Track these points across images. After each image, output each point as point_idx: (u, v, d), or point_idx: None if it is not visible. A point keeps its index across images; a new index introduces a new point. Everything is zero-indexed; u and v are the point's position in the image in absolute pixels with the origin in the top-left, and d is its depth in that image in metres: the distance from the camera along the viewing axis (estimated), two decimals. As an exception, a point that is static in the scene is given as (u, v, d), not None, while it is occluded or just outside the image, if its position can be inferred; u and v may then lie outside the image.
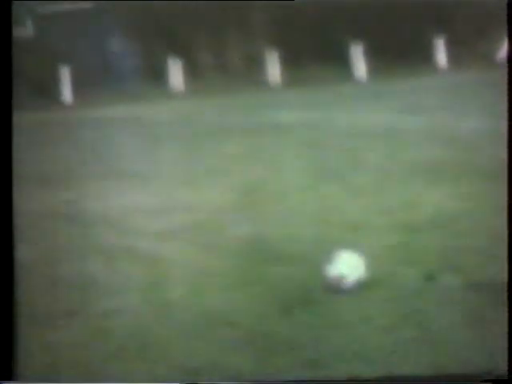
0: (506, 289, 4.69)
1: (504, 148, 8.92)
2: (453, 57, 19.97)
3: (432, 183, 8.08)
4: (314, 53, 20.02)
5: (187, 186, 8.91)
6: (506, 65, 9.26)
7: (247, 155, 10.47)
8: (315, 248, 6.18)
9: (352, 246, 5.61)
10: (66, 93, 20.05)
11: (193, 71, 20.73)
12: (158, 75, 20.45)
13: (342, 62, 19.82)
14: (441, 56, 20.79)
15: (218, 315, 5.04)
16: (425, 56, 19.91)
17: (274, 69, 20.36)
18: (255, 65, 20.87)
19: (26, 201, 7.87)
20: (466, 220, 6.76)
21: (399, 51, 19.22)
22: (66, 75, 20.08)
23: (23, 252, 6.10)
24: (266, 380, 5.15)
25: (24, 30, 20.23)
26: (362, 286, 5.25)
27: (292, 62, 19.61)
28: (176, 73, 20.99)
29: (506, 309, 4.60)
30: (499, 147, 9.33)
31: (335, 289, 5.22)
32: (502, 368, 4.60)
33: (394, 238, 6.35)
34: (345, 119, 12.41)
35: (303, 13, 20.42)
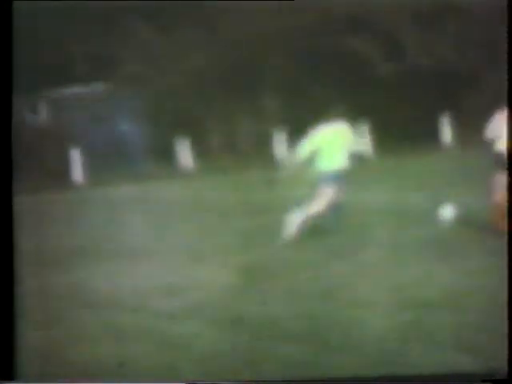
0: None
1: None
2: (459, 135, 20.20)
3: (442, 260, 8.10)
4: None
5: (197, 264, 8.94)
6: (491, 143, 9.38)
7: (257, 232, 10.51)
8: (325, 326, 6.19)
9: (363, 323, 5.62)
10: (77, 173, 20.29)
11: (202, 150, 20.99)
12: (167, 155, 20.70)
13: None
14: (446, 134, 21.05)
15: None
16: (431, 133, 20.16)
17: (281, 147, 20.62)
18: (264, 144, 21.13)
19: (36, 281, 7.93)
20: (477, 297, 6.76)
21: (405, 129, 19.45)
22: (77, 156, 20.35)
23: (33, 334, 6.22)
24: (267, 380, 5.25)
25: (36, 117, 20.64)
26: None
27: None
28: (185, 152, 21.26)
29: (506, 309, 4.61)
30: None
31: None
32: (502, 368, 4.69)
33: (406, 316, 6.36)
34: (355, 196, 12.47)
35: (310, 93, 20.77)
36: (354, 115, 20.18)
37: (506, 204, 8.39)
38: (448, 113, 20.85)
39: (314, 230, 9.88)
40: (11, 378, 5.16)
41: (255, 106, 21.95)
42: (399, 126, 19.71)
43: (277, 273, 8.28)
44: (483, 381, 4.81)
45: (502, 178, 8.65)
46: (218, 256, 9.24)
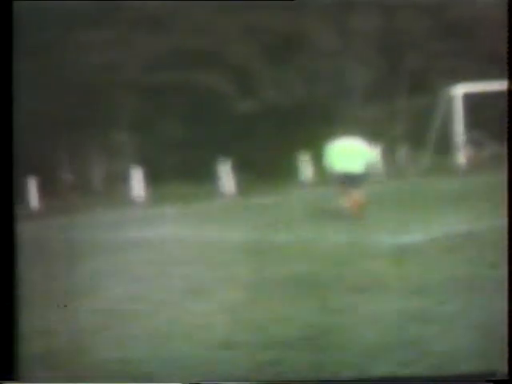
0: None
1: (373, 261, 9.23)
2: (316, 172, 20.66)
3: (302, 297, 8.17)
4: (182, 170, 20.26)
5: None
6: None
7: (115, 272, 10.33)
8: (184, 369, 6.09)
9: (223, 364, 5.56)
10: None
11: (49, 191, 20.52)
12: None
13: (210, 178, 20.13)
14: (306, 172, 21.50)
15: None
16: (291, 172, 20.54)
17: (139, 186, 20.47)
18: (120, 182, 20.89)
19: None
20: (336, 334, 6.84)
21: (266, 167, 19.75)
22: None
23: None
24: (267, 380, 5.24)
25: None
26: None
27: (157, 180, 19.79)
28: (33, 194, 20.76)
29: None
30: (367, 260, 9.68)
31: None
32: (502, 368, 4.73)
33: (266, 355, 6.35)
34: (214, 234, 12.49)
35: (169, 132, 20.77)
36: (213, 154, 20.40)
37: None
38: (304, 150, 21.32)
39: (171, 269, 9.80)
40: (11, 378, 5.21)
41: (107, 144, 21.72)
42: (259, 163, 19.99)
43: (132, 313, 8.10)
44: (483, 381, 4.86)
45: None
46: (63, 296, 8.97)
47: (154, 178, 19.73)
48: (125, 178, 20.84)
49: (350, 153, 13.85)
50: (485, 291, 7.68)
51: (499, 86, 24.02)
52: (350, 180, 13.42)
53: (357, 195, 13.44)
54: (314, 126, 20.16)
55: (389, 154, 21.66)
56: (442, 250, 10.05)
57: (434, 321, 6.99)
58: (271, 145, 20.60)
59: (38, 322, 6.90)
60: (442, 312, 7.24)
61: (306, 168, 21.25)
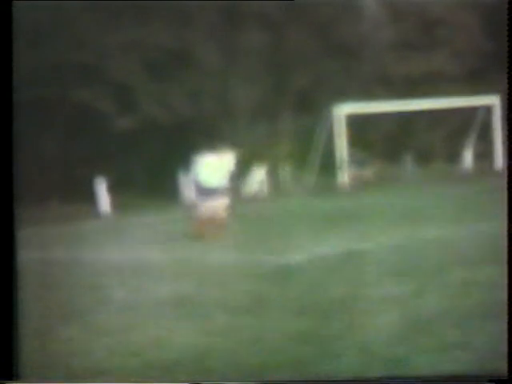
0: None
1: (253, 282, 9.18)
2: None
3: (181, 319, 8.03)
4: (56, 190, 19.80)
5: None
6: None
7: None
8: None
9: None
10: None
11: None
12: None
13: (87, 197, 19.76)
14: (186, 190, 21.36)
15: None
16: (170, 190, 20.36)
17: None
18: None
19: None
20: (214, 356, 6.72)
21: (145, 185, 19.54)
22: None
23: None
24: (267, 380, 5.21)
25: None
26: None
27: (31, 201, 19.27)
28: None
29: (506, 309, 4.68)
30: (247, 281, 9.62)
31: None
32: (502, 368, 4.75)
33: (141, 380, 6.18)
34: (89, 256, 12.21)
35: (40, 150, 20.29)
36: (92, 172, 20.04)
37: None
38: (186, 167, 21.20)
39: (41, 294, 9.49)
40: (11, 378, 5.30)
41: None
42: (137, 182, 19.76)
43: None
44: (484, 381, 4.89)
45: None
46: None
47: (27, 199, 19.18)
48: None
49: (214, 168, 14.10)
50: (365, 311, 7.71)
51: (382, 106, 24.60)
52: (207, 193, 13.65)
53: (214, 210, 13.58)
54: (195, 143, 20.09)
55: (273, 173, 21.80)
56: (323, 270, 10.08)
57: (315, 341, 6.97)
58: (151, 163, 20.42)
59: None
60: (323, 333, 7.23)
61: (186, 186, 21.13)
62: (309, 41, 24.17)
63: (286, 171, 22.71)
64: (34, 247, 14.18)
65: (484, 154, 24.34)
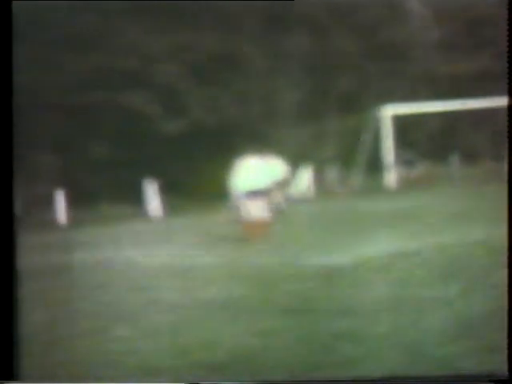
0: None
1: (301, 283, 9.24)
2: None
3: (229, 320, 8.10)
4: (106, 191, 20.04)
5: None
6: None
7: (36, 298, 10.11)
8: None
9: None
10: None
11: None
12: None
13: (136, 199, 19.94)
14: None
15: None
16: (219, 193, 20.47)
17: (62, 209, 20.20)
18: (43, 206, 20.55)
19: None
20: (262, 357, 6.79)
21: (195, 188, 19.67)
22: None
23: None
24: (266, 380, 5.22)
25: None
26: None
27: (82, 202, 19.54)
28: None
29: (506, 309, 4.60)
30: (295, 282, 9.66)
31: None
32: (502, 368, 4.80)
33: (191, 380, 6.26)
34: (140, 257, 12.36)
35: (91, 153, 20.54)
36: (140, 175, 20.24)
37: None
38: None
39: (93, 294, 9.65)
40: (11, 378, 5.33)
41: (29, 166, 21.33)
42: (187, 185, 19.89)
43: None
44: (484, 381, 5.01)
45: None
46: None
47: (78, 201, 19.47)
48: (48, 202, 20.51)
49: (259, 170, 14.16)
50: (416, 312, 7.72)
51: (427, 107, 24.46)
52: (253, 196, 13.73)
53: (259, 212, 13.67)
54: (242, 146, 20.20)
55: (319, 174, 21.80)
56: (372, 271, 10.08)
57: (364, 341, 6.99)
58: (199, 166, 20.55)
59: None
60: (372, 333, 7.25)
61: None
62: (353, 42, 24.09)
63: (332, 172, 22.70)
64: (87, 247, 14.43)
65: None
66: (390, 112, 23.10)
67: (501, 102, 25.39)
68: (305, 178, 20.63)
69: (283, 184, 16.05)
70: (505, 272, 8.92)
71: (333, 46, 23.86)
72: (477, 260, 9.99)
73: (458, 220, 13.66)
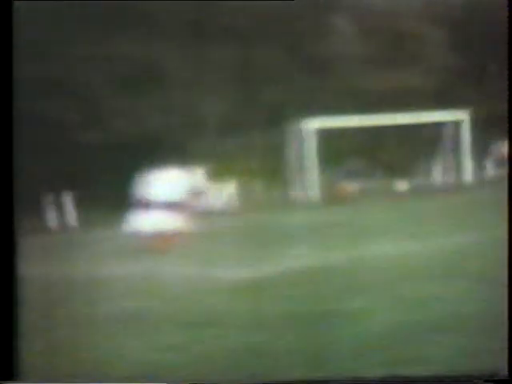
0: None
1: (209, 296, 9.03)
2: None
3: (134, 334, 7.87)
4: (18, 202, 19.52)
5: None
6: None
7: None
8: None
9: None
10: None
11: None
12: None
13: (50, 211, 19.59)
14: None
15: None
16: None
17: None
18: None
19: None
20: (166, 372, 6.58)
21: (109, 199, 19.35)
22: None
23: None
24: (267, 380, 5.40)
25: None
26: None
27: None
28: None
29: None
30: (203, 295, 9.45)
31: None
32: (502, 368, 4.91)
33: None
34: (51, 271, 12.02)
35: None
36: (58, 186, 19.79)
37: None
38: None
39: None
40: (11, 378, 5.35)
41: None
42: (104, 196, 19.54)
43: None
44: (484, 381, 4.98)
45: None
46: None
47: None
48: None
49: (174, 182, 14.05)
50: (319, 326, 7.53)
51: (352, 121, 24.53)
52: (166, 207, 13.60)
53: (171, 225, 13.51)
54: (163, 158, 19.97)
55: (242, 187, 21.65)
56: (282, 285, 9.92)
57: (270, 355, 6.86)
58: (117, 177, 20.21)
59: None
60: (278, 346, 7.10)
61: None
62: (278, 55, 24.09)
63: (255, 186, 22.57)
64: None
65: (452, 169, 24.36)
66: (313, 125, 23.09)
67: (425, 117, 25.53)
68: (227, 190, 20.47)
69: (201, 196, 15.87)
70: (414, 284, 8.88)
71: (258, 58, 23.77)
72: (385, 273, 9.93)
73: (372, 234, 13.64)
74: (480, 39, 25.77)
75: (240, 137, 22.93)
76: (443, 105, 23.30)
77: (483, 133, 23.55)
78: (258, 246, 13.15)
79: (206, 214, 15.72)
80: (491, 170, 24.70)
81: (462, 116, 23.87)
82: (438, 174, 24.49)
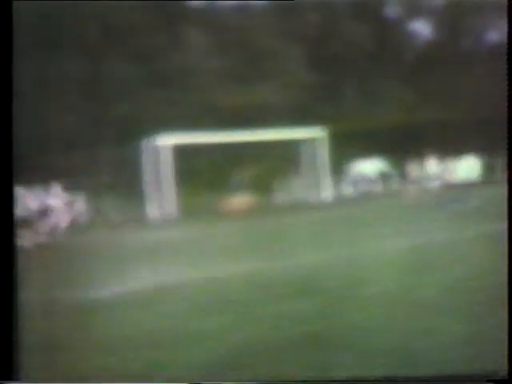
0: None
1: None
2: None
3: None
4: None
5: None
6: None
7: None
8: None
9: None
10: None
11: None
12: None
13: None
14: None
15: None
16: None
17: None
18: None
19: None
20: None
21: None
22: None
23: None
24: (266, 380, 5.40)
25: None
26: None
27: None
28: None
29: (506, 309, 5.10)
30: (46, 318, 8.68)
31: None
32: (502, 368, 4.97)
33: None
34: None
35: None
36: None
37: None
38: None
39: None
40: (11, 378, 5.30)
41: None
42: None
43: None
44: (484, 381, 5.00)
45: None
46: None
47: None
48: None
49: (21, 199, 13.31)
50: (179, 345, 7.20)
51: (208, 137, 24.04)
52: None
53: None
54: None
55: (92, 203, 20.79)
56: (133, 305, 9.30)
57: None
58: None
59: None
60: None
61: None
62: (131, 69, 23.48)
63: (106, 202, 21.75)
64: None
65: (310, 186, 24.34)
66: (169, 141, 22.55)
67: (281, 134, 25.38)
68: (77, 207, 19.56)
69: (47, 213, 15.04)
70: (273, 303, 8.44)
71: (109, 72, 23.06)
72: (241, 292, 9.48)
73: (221, 253, 13.19)
74: (337, 57, 26.06)
75: (91, 152, 22.14)
76: (300, 121, 23.29)
77: (340, 150, 23.67)
78: (102, 266, 12.41)
79: (54, 231, 14.84)
80: (348, 187, 24.88)
81: (319, 133, 23.93)
82: (296, 191, 24.42)
